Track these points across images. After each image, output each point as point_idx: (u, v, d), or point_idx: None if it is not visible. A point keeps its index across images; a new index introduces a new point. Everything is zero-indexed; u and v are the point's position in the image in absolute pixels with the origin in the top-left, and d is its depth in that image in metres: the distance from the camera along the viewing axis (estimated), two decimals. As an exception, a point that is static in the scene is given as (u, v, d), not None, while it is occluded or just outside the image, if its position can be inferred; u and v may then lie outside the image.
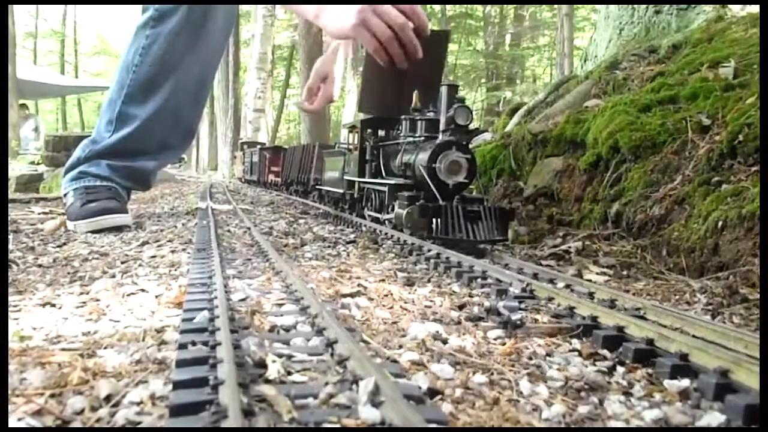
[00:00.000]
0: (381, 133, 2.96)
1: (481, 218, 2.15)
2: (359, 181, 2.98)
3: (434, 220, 2.14)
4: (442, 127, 2.30)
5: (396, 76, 2.50)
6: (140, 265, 1.82)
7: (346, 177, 3.21)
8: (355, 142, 2.98)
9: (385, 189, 2.59)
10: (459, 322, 1.27)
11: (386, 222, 2.63)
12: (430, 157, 2.24)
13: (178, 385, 0.78)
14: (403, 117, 2.60)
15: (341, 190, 3.32)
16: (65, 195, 2.90)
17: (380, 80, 2.57)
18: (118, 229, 2.68)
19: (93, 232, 2.62)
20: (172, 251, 2.10)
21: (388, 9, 2.06)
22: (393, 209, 2.45)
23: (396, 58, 2.14)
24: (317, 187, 4.41)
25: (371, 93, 2.65)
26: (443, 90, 2.29)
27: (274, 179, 7.31)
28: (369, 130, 2.95)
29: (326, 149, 4.45)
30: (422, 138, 2.46)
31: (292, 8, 2.76)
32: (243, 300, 1.32)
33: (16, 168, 8.41)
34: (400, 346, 1.07)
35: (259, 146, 9.27)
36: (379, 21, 2.05)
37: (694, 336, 1.12)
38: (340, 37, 2.41)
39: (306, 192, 5.20)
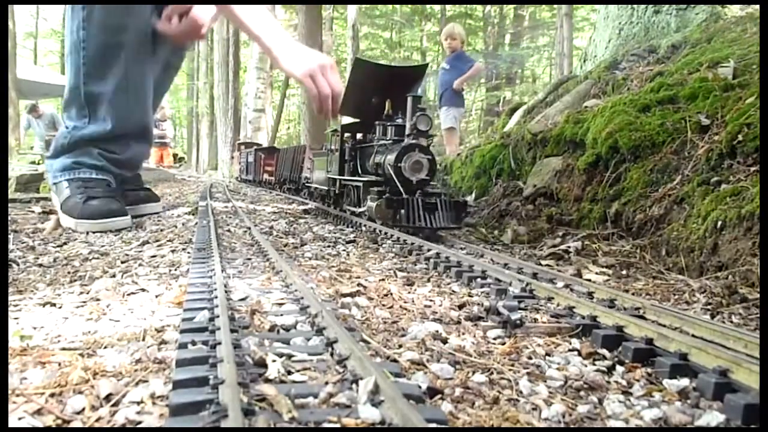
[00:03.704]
0: (359, 136, 3.27)
1: (438, 209, 2.52)
2: (340, 179, 3.31)
3: (399, 210, 2.51)
4: (407, 131, 2.69)
5: (379, 86, 2.90)
6: (140, 265, 1.82)
7: (329, 175, 3.54)
8: (337, 144, 3.30)
9: (360, 185, 2.93)
10: (459, 322, 1.27)
11: (362, 214, 2.92)
12: (396, 157, 2.61)
13: (178, 385, 0.78)
14: (377, 122, 2.95)
15: (326, 187, 3.65)
16: (56, 185, 2.83)
17: (363, 89, 2.91)
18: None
19: (94, 232, 2.63)
20: (173, 251, 2.10)
21: (335, 76, 2.51)
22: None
23: (324, 108, 2.52)
24: (306, 184, 4.76)
25: (353, 99, 2.89)
26: (408, 100, 2.66)
27: (269, 178, 7.63)
28: (348, 134, 3.28)
29: (315, 150, 4.79)
30: (391, 141, 2.80)
31: (254, 37, 2.69)
32: (243, 299, 1.32)
33: (17, 168, 8.40)
34: (400, 346, 1.07)
35: (254, 147, 9.53)
36: (324, 81, 2.47)
37: (693, 335, 1.12)
38: (288, 74, 2.72)
39: (298, 190, 5.54)
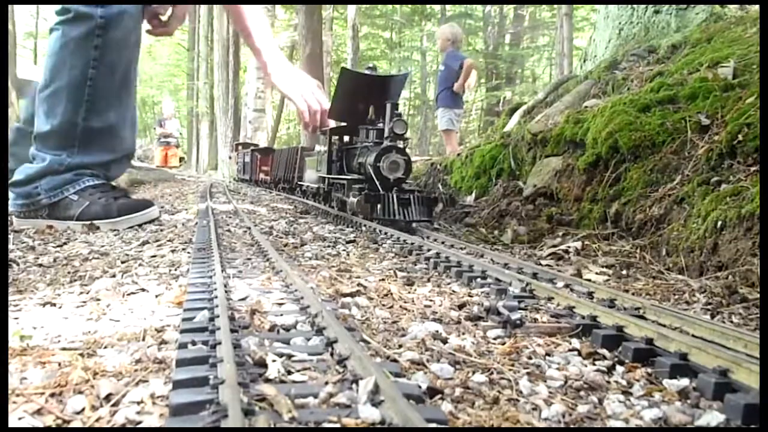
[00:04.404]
0: (346, 139, 3.60)
1: (411, 204, 2.82)
2: (328, 177, 3.68)
3: (376, 205, 2.82)
4: (385, 135, 2.98)
5: (363, 94, 3.24)
6: (140, 265, 1.82)
7: (318, 174, 3.94)
8: (326, 146, 3.67)
9: (345, 183, 3.28)
10: (459, 322, 1.27)
11: (348, 209, 3.25)
12: (375, 158, 2.90)
13: (178, 385, 0.78)
14: (360, 126, 3.27)
15: (317, 185, 4.07)
16: (54, 204, 2.74)
17: (349, 95, 3.21)
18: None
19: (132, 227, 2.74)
20: (173, 251, 2.10)
21: (322, 96, 2.82)
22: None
23: (312, 123, 2.81)
24: (299, 183, 5.23)
25: (340, 105, 3.17)
26: (387, 106, 2.96)
27: (264, 177, 8.05)
28: (336, 137, 3.60)
29: (307, 151, 5.23)
30: (372, 143, 3.10)
31: (255, 50, 2.90)
32: (243, 299, 1.32)
33: (16, 168, 8.37)
34: (400, 346, 1.07)
35: (251, 147, 9.81)
36: (313, 97, 2.77)
37: (693, 335, 1.12)
38: (279, 90, 2.97)
39: (292, 189, 5.89)
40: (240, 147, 11.43)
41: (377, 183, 2.87)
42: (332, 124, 3.36)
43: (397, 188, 2.87)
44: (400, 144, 2.98)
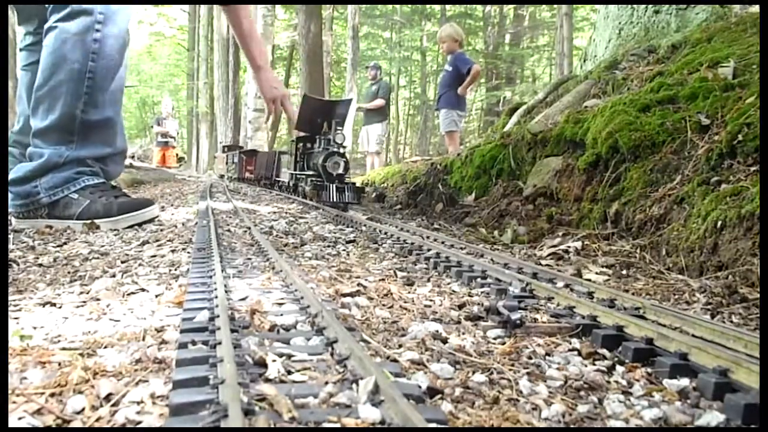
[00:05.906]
0: (309, 145, 4.66)
1: (345, 191, 3.84)
2: (295, 174, 4.97)
3: (322, 192, 3.86)
4: (331, 143, 4.05)
5: (319, 113, 4.34)
6: (140, 265, 1.82)
7: (288, 171, 5.32)
8: (294, 150, 4.92)
9: (304, 177, 4.48)
10: (459, 322, 1.27)
11: (306, 196, 4.41)
12: (323, 159, 3.98)
13: (178, 385, 0.78)
14: (317, 136, 4.34)
15: (287, 180, 5.47)
16: (55, 202, 2.75)
17: (309, 114, 4.32)
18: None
19: (130, 226, 2.77)
20: (173, 251, 2.10)
21: (289, 105, 3.74)
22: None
23: (274, 125, 3.86)
24: (276, 179, 6.61)
25: (303, 119, 4.30)
26: (333, 123, 4.08)
27: (249, 176, 9.53)
28: (301, 143, 4.75)
29: (283, 153, 6.48)
30: (322, 149, 4.14)
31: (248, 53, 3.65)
32: (243, 299, 1.32)
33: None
34: (400, 346, 1.07)
35: (238, 149, 11.09)
36: (281, 107, 3.65)
37: (693, 335, 1.12)
38: (259, 89, 3.89)
39: (271, 185, 7.08)
40: (226, 149, 12.63)
41: (323, 177, 3.95)
42: (299, 134, 4.54)
43: (338, 181, 3.90)
44: (342, 150, 4.03)
